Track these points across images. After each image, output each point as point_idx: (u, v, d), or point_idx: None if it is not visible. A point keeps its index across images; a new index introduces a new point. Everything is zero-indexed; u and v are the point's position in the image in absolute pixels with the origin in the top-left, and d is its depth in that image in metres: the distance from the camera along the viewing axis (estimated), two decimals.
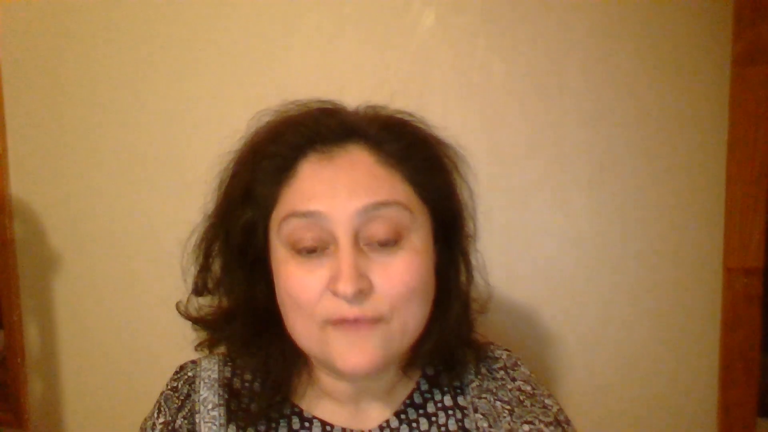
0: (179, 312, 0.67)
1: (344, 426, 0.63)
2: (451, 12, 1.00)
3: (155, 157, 1.14)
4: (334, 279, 0.54)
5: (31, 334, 1.25)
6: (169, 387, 0.67)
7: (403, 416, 0.64)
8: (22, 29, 1.19)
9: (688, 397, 1.00)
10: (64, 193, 1.20)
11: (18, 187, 1.23)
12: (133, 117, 1.15)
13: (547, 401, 0.67)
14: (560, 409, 0.67)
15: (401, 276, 0.56)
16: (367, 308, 0.55)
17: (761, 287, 0.94)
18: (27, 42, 1.19)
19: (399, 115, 0.65)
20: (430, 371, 0.68)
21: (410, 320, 0.57)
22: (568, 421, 0.67)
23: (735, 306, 0.95)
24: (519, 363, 0.71)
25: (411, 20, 1.01)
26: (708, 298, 0.98)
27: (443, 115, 1.02)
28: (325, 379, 0.64)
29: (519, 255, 1.03)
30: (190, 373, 0.67)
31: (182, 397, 0.65)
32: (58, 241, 1.22)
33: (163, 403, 0.65)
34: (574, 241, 1.01)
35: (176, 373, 0.68)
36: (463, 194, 0.66)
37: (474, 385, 0.67)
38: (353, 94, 1.05)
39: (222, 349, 0.68)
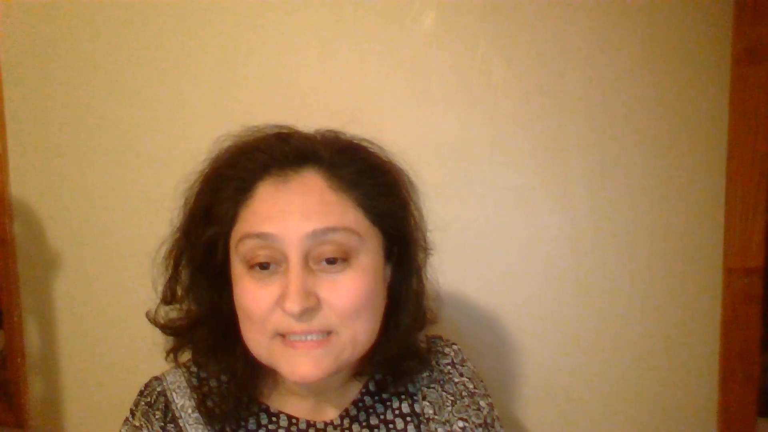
0: (149, 320, 0.71)
1: (308, 419, 0.69)
2: (451, 12, 1.00)
3: (155, 157, 1.14)
4: (283, 297, 0.58)
5: (31, 334, 1.25)
6: (143, 403, 0.69)
7: (360, 404, 0.71)
8: (22, 29, 1.19)
9: (688, 397, 1.00)
10: (64, 193, 1.20)
11: (18, 187, 1.23)
12: (133, 117, 1.15)
13: (481, 402, 0.74)
14: (489, 411, 0.75)
15: (348, 293, 0.60)
16: (314, 324, 0.59)
17: (761, 287, 0.95)
18: (27, 42, 1.19)
19: (355, 141, 0.68)
20: (378, 376, 0.73)
21: (359, 333, 0.62)
22: (494, 422, 0.75)
23: (735, 306, 0.96)
24: (465, 359, 0.78)
25: (411, 20, 1.01)
26: (708, 298, 0.98)
27: (443, 115, 1.02)
28: (287, 380, 0.67)
29: (518, 255, 1.03)
30: (159, 389, 0.69)
31: (162, 408, 0.68)
32: (58, 241, 1.22)
33: (142, 418, 0.67)
34: (574, 241, 1.01)
35: (142, 392, 0.70)
36: (415, 214, 0.70)
37: (424, 375, 0.73)
38: (353, 94, 1.05)
39: (184, 359, 0.72)
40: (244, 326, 0.63)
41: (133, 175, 1.15)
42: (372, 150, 0.68)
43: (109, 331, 1.20)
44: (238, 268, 0.62)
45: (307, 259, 0.60)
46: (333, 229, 0.59)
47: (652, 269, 0.99)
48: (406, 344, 0.69)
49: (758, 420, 0.97)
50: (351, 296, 0.60)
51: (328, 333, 0.60)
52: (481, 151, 1.02)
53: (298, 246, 0.59)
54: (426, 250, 0.72)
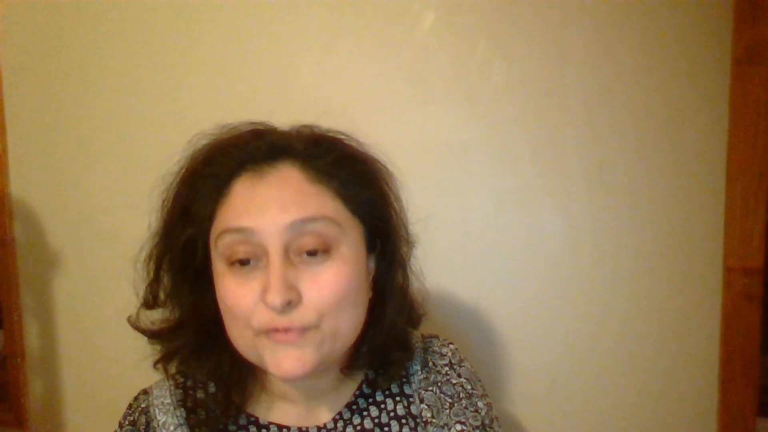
0: (130, 324, 0.71)
1: (300, 425, 0.67)
2: (451, 12, 1.00)
3: (155, 157, 1.14)
4: (265, 290, 0.57)
5: (31, 334, 1.25)
6: (127, 422, 0.68)
7: (354, 407, 0.69)
8: (22, 29, 1.19)
9: (688, 396, 1.00)
10: (64, 193, 1.20)
11: (18, 187, 1.23)
12: (132, 117, 1.15)
13: (479, 403, 0.73)
14: (488, 411, 0.74)
15: (329, 285, 0.59)
16: (295, 318, 0.58)
17: (761, 287, 0.95)
18: (27, 42, 1.19)
19: (329, 134, 0.67)
20: (371, 374, 0.71)
21: (341, 325, 0.60)
22: (492, 422, 0.73)
23: (735, 305, 0.96)
24: (463, 359, 0.76)
25: (411, 21, 1.01)
26: (708, 298, 0.98)
27: (443, 115, 1.02)
28: (276, 383, 0.67)
29: (519, 255, 1.03)
30: (143, 405, 0.69)
31: (143, 428, 0.67)
32: (58, 241, 1.22)
33: None
34: (573, 241, 1.01)
35: (129, 407, 0.70)
36: (396, 205, 0.68)
37: (421, 377, 0.72)
38: (354, 94, 1.05)
39: (173, 370, 0.71)
40: (228, 325, 0.62)
41: (134, 174, 1.15)
42: (348, 142, 0.67)
43: (109, 331, 1.20)
44: (218, 266, 0.61)
45: (287, 252, 0.58)
46: (312, 219, 0.58)
47: (652, 269, 0.99)
48: (392, 336, 0.68)
49: (758, 420, 0.97)
50: (332, 288, 0.59)
51: (307, 329, 0.59)
52: (481, 151, 1.02)
53: (277, 239, 0.58)
54: (409, 242, 0.71)
